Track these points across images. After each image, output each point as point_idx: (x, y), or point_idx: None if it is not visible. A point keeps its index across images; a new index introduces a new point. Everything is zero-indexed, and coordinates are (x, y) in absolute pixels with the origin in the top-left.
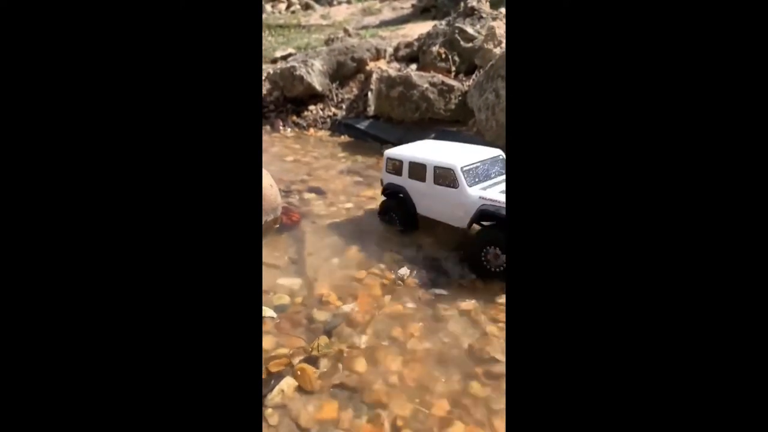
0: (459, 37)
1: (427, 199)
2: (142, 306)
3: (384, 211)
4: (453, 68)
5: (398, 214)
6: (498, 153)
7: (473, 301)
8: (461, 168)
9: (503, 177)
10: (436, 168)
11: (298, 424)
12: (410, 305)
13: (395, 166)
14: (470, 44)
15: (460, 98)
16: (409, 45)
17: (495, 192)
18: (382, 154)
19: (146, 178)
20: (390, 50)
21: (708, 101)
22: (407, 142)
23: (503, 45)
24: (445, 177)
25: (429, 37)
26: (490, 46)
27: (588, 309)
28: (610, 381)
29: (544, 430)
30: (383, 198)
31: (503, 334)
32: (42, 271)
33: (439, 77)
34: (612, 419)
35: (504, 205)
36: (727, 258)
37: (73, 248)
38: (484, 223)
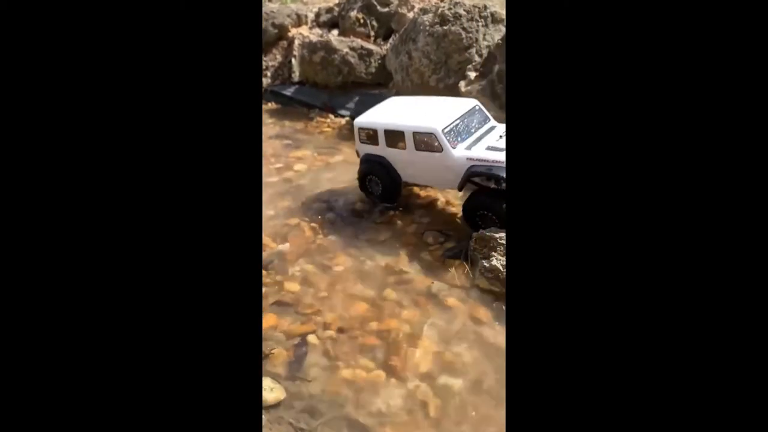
0: (375, 2)
1: (410, 167)
2: (137, 274)
3: (363, 177)
4: (372, 33)
5: (382, 181)
6: (473, 104)
7: (389, 234)
8: (442, 130)
9: (485, 129)
10: (415, 134)
11: None
12: (336, 241)
13: (369, 136)
14: (386, 9)
15: (379, 61)
16: (329, 10)
17: (481, 149)
18: (309, 119)
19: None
20: (311, 16)
21: (705, 88)
22: (334, 105)
23: (416, 9)
24: (427, 142)
25: (348, 3)
26: (404, 10)
27: (588, 308)
28: (612, 379)
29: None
30: (360, 164)
31: (412, 254)
32: (37, 247)
33: (359, 42)
34: (612, 419)
35: (493, 163)
36: (727, 242)
37: (53, 211)
38: (476, 179)
